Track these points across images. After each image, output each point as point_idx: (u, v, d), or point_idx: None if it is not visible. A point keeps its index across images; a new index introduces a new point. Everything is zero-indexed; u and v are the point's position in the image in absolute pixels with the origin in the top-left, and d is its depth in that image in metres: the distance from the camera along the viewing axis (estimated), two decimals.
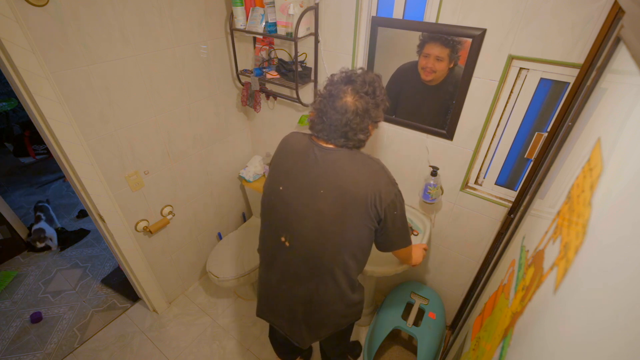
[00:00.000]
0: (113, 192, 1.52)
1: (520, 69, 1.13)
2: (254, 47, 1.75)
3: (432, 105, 1.35)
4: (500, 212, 1.39)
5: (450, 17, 1.16)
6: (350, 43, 1.43)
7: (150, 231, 1.72)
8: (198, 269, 2.24)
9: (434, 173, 1.43)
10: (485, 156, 1.34)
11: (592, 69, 0.91)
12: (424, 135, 1.43)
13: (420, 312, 1.68)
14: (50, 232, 2.53)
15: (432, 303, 1.71)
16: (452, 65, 1.22)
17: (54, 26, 1.13)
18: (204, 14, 1.58)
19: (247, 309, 2.09)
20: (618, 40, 0.76)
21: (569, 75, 1.05)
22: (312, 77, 1.62)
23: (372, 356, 1.62)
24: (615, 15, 0.82)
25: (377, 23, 1.32)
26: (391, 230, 1.01)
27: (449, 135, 1.35)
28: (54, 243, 2.52)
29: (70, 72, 1.21)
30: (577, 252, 0.49)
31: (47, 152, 3.49)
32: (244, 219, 2.43)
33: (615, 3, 0.84)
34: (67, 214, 2.87)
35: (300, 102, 1.65)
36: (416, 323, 1.62)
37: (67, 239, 2.58)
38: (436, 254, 1.75)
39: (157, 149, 1.63)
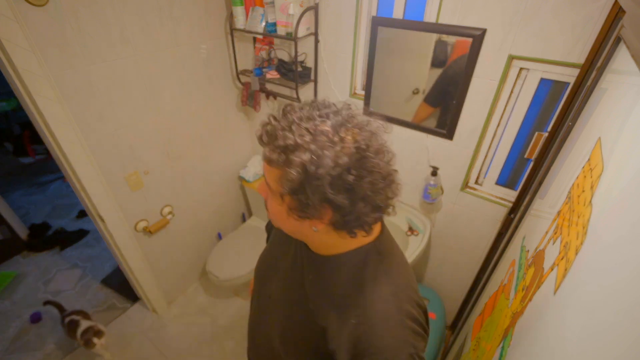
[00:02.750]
0: (113, 192, 1.52)
1: (521, 69, 1.13)
2: (254, 47, 1.75)
3: None
4: (501, 212, 1.38)
5: (450, 17, 1.16)
6: (350, 43, 1.43)
7: (150, 231, 1.71)
8: (198, 269, 2.24)
9: (434, 173, 1.43)
10: (486, 156, 1.34)
11: (592, 69, 0.91)
12: (424, 135, 1.43)
13: None
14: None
15: (432, 303, 1.71)
16: None
17: (54, 26, 1.13)
18: (204, 14, 1.58)
19: (247, 309, 2.09)
20: (618, 40, 0.76)
21: (569, 75, 1.05)
22: (312, 77, 1.62)
23: None
24: (616, 15, 0.82)
25: (377, 23, 1.32)
26: None
27: (449, 135, 1.35)
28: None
29: (70, 72, 1.21)
30: (577, 252, 0.49)
31: (47, 152, 3.48)
32: (244, 219, 2.43)
33: (616, 3, 0.84)
34: (67, 214, 2.86)
35: (300, 102, 1.65)
36: None
37: (67, 239, 2.58)
38: (436, 254, 1.75)
39: (157, 149, 1.63)
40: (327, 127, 0.51)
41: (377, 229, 0.61)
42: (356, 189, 0.50)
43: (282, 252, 0.72)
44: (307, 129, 0.50)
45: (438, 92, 1.34)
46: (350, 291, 0.57)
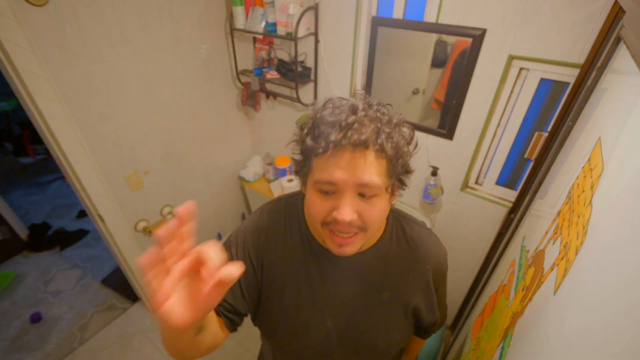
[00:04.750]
0: (113, 192, 1.52)
1: (521, 68, 1.13)
2: (254, 47, 1.75)
3: None
4: (501, 212, 1.38)
5: (450, 17, 1.16)
6: (350, 43, 1.43)
7: (150, 231, 1.71)
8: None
9: (434, 173, 1.43)
10: (486, 156, 1.34)
11: (592, 69, 0.91)
12: (424, 135, 1.43)
13: None
14: None
15: None
16: None
17: (54, 26, 1.13)
18: (204, 14, 1.58)
19: None
20: (618, 40, 0.76)
21: (569, 75, 1.05)
22: (312, 77, 1.61)
23: None
24: (616, 15, 0.82)
25: (377, 23, 1.32)
26: None
27: (449, 135, 1.35)
28: None
29: (70, 72, 1.21)
30: (577, 252, 0.49)
31: (47, 152, 3.48)
32: (244, 219, 2.43)
33: (616, 3, 0.84)
34: (67, 214, 2.86)
35: (300, 102, 1.65)
36: None
37: (67, 239, 2.58)
38: None
39: (157, 149, 1.63)
40: (379, 108, 0.54)
41: None
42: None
43: (309, 290, 0.66)
44: (377, 114, 0.52)
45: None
46: (407, 253, 0.66)
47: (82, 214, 2.84)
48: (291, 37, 1.45)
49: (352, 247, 0.55)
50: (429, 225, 1.57)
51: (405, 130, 0.55)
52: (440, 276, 0.70)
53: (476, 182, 1.44)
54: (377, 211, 0.54)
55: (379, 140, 0.50)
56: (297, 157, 0.58)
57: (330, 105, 0.54)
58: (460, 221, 1.54)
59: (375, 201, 0.53)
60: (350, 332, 0.66)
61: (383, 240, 0.65)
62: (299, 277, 0.65)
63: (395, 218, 0.69)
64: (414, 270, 0.66)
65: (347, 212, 0.51)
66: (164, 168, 1.70)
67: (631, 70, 0.57)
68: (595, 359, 0.34)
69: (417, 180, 1.57)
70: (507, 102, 1.20)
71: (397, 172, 0.54)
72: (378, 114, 0.52)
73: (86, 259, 2.45)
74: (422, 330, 0.80)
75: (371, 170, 0.50)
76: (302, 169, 0.57)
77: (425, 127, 1.41)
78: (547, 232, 0.73)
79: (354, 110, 0.51)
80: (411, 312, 0.67)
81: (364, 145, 0.49)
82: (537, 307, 0.58)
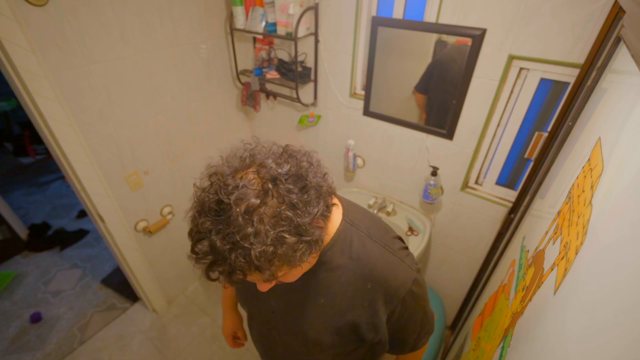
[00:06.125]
0: (112, 192, 1.52)
1: (521, 68, 1.13)
2: (254, 47, 1.75)
3: None
4: (501, 212, 1.38)
5: (450, 17, 1.16)
6: (350, 43, 1.43)
7: (150, 231, 1.71)
8: (198, 269, 2.24)
9: (434, 173, 1.43)
10: (486, 156, 1.34)
11: (592, 69, 0.91)
12: (424, 135, 1.43)
13: None
14: None
15: (432, 303, 1.70)
16: None
17: (54, 26, 1.13)
18: (204, 14, 1.58)
19: None
20: (618, 40, 0.76)
21: (569, 75, 1.05)
22: (312, 77, 1.61)
23: None
24: (616, 15, 0.82)
25: (377, 23, 1.32)
26: None
27: (449, 135, 1.35)
28: None
29: (69, 72, 1.21)
30: (577, 252, 0.49)
31: (47, 152, 3.48)
32: None
33: (616, 3, 0.84)
34: (67, 214, 2.86)
35: (300, 102, 1.65)
36: None
37: (67, 239, 2.58)
38: (436, 254, 1.75)
39: (157, 149, 1.63)
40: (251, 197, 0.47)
41: (336, 206, 0.66)
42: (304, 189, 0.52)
43: None
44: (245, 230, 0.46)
45: (428, 79, 1.34)
46: (350, 267, 0.63)
47: (82, 214, 2.84)
48: (291, 37, 1.45)
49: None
50: (428, 225, 1.58)
51: (312, 194, 0.52)
52: (396, 299, 0.63)
53: (476, 182, 1.44)
54: (294, 276, 0.58)
55: (250, 272, 0.48)
56: None
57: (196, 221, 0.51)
58: (460, 221, 1.54)
59: (286, 275, 0.55)
60: (288, 317, 0.72)
61: (328, 248, 0.63)
62: None
63: (353, 231, 0.65)
64: (355, 285, 0.63)
65: (263, 288, 0.57)
66: (164, 168, 1.70)
67: (631, 70, 0.57)
68: (596, 359, 0.34)
69: (417, 180, 1.57)
70: (507, 102, 1.20)
71: (294, 258, 0.50)
72: (244, 231, 0.45)
73: (86, 259, 2.45)
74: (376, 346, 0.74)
75: (259, 279, 0.52)
76: None
77: (425, 127, 1.41)
78: (547, 232, 0.73)
79: (210, 242, 0.48)
80: (347, 324, 0.65)
81: (236, 283, 0.49)
82: (537, 307, 0.58)
